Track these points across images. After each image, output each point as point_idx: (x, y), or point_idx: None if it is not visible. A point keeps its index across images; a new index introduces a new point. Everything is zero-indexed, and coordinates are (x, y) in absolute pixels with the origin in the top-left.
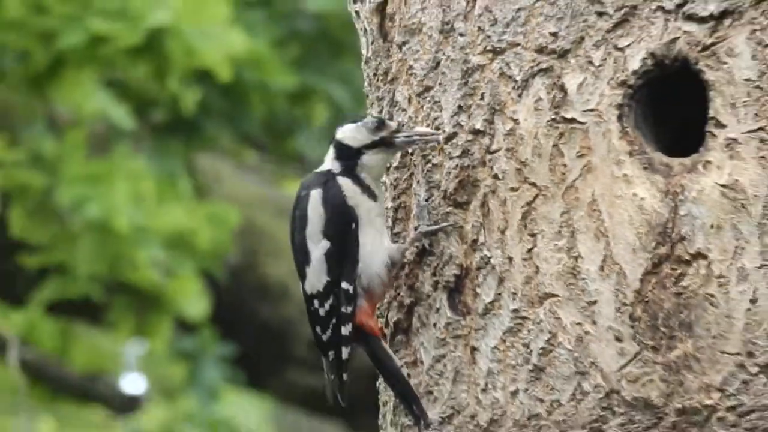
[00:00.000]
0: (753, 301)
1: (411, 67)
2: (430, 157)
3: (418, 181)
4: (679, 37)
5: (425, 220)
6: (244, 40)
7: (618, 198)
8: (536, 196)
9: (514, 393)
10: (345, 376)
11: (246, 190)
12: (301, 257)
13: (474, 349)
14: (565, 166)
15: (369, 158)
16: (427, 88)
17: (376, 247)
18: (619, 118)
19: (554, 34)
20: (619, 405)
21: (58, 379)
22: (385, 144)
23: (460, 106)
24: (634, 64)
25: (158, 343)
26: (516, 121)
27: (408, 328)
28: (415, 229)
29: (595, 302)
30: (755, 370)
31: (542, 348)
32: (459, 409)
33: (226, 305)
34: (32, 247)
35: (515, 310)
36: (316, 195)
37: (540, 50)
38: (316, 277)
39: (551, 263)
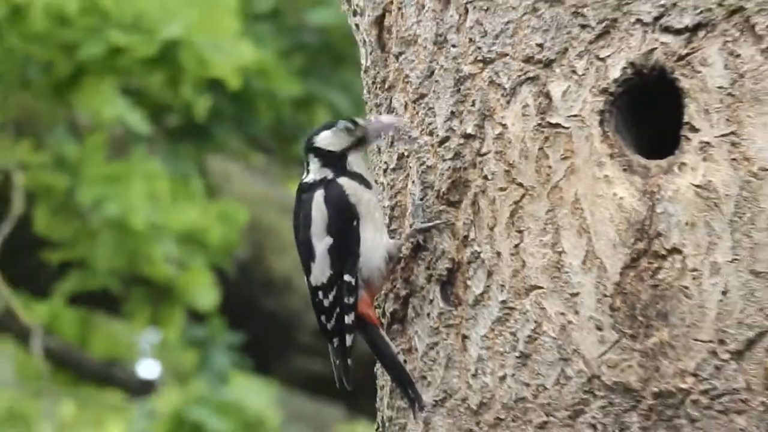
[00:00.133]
0: (724, 292)
1: (407, 76)
2: (424, 159)
3: (413, 182)
4: (656, 48)
5: (420, 218)
6: (252, 52)
7: (599, 197)
8: (523, 196)
9: (502, 378)
10: (350, 361)
11: (253, 190)
12: (306, 253)
13: (465, 337)
14: (550, 167)
15: (354, 157)
16: (422, 96)
17: (375, 243)
18: (601, 123)
19: (540, 45)
20: (599, 389)
21: (79, 365)
22: (364, 140)
23: (452, 112)
24: (615, 73)
25: (171, 331)
26: (504, 126)
27: (404, 317)
28: (411, 226)
29: (577, 294)
30: (726, 356)
31: (528, 336)
32: (451, 392)
33: (235, 297)
34: (55, 244)
35: (503, 301)
36: (318, 196)
37: (527, 60)
38: (321, 270)
39: (537, 258)
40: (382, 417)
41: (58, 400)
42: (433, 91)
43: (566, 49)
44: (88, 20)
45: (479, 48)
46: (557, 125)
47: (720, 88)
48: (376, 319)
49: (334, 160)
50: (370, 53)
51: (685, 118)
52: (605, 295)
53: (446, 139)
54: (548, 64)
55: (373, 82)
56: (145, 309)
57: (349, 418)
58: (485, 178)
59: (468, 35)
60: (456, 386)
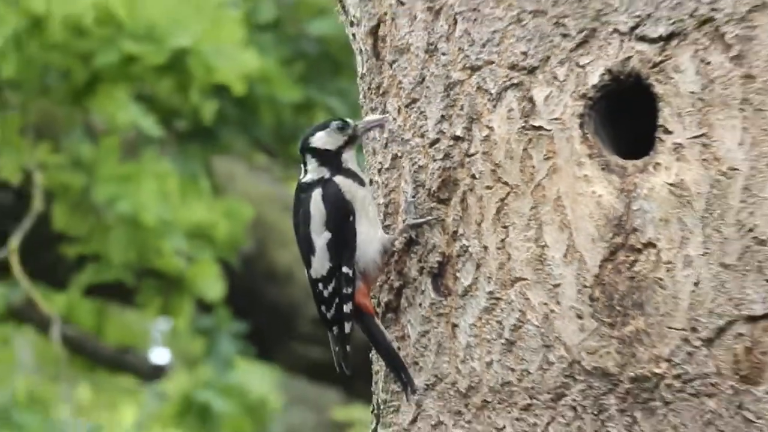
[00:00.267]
0: (696, 284)
1: (400, 82)
2: (416, 159)
3: (405, 181)
4: (632, 56)
5: (412, 214)
6: (256, 60)
7: (579, 195)
8: (508, 194)
9: (489, 363)
10: (348, 348)
11: (257, 189)
12: (306, 248)
13: (454, 325)
14: (533, 167)
15: (347, 154)
16: (414, 100)
17: (370, 237)
18: (581, 125)
19: (524, 53)
20: (579, 373)
21: (95, 352)
22: (354, 138)
23: (442, 116)
24: (594, 79)
25: (181, 321)
26: (491, 129)
27: (397, 307)
28: (404, 222)
29: (559, 285)
30: (698, 343)
31: (513, 324)
32: (441, 377)
33: (240, 288)
34: (72, 239)
35: (490, 292)
36: (316, 195)
37: (512, 67)
38: (320, 263)
39: (521, 251)
40: (377, 400)
41: (75, 384)
42: (425, 96)
43: (548, 57)
44: (103, 31)
45: (467, 56)
46: (540, 128)
47: (692, 93)
48: (371, 308)
49: (331, 158)
50: (366, 61)
51: (660, 121)
52: (585, 286)
53: (437, 140)
54: (531, 70)
55: (369, 88)
56: (156, 300)
57: (346, 401)
58: (473, 177)
59: (457, 44)
60: (446, 371)
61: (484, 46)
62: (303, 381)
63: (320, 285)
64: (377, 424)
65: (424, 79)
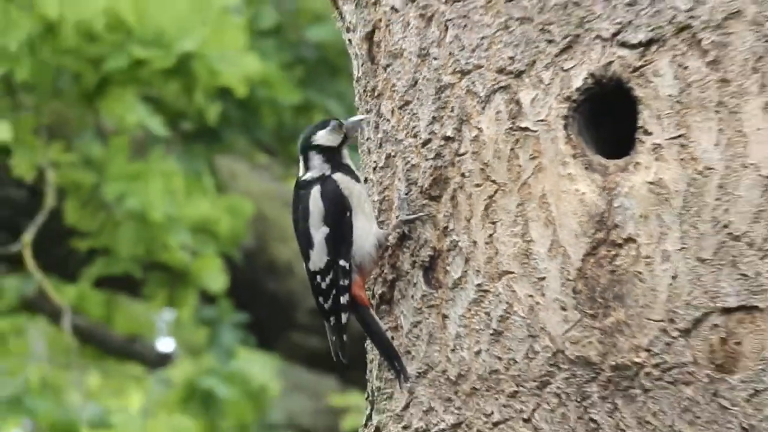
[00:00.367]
0: (674, 277)
1: (394, 85)
2: (409, 158)
3: (399, 179)
4: (614, 61)
5: (405, 211)
6: (257, 64)
7: (563, 192)
8: (496, 191)
9: (478, 352)
10: (345, 338)
11: (258, 186)
12: (305, 242)
13: (445, 316)
14: (520, 166)
15: (345, 151)
16: (407, 102)
17: (366, 231)
18: (565, 127)
19: (511, 58)
20: (563, 362)
21: (104, 341)
22: (346, 137)
23: (434, 117)
24: (577, 82)
25: (185, 312)
26: (480, 130)
27: (390, 299)
28: (397, 218)
29: (544, 278)
30: (676, 333)
31: (501, 316)
32: (432, 365)
33: (241, 281)
34: (83, 233)
35: (479, 285)
36: (315, 192)
37: (500, 71)
38: (318, 257)
39: (508, 246)
40: (372, 387)
41: (85, 371)
42: (417, 99)
43: (534, 62)
44: (113, 36)
45: (457, 60)
46: (526, 129)
47: (670, 96)
48: (367, 300)
49: (333, 154)
50: (362, 65)
51: (640, 123)
52: (569, 280)
53: (428, 141)
54: (518, 74)
55: (364, 91)
56: (162, 291)
57: (342, 389)
58: (463, 175)
59: (448, 49)
60: (437, 360)
61: (473, 51)
62: (301, 369)
63: (318, 277)
64: (372, 410)
65: (416, 83)
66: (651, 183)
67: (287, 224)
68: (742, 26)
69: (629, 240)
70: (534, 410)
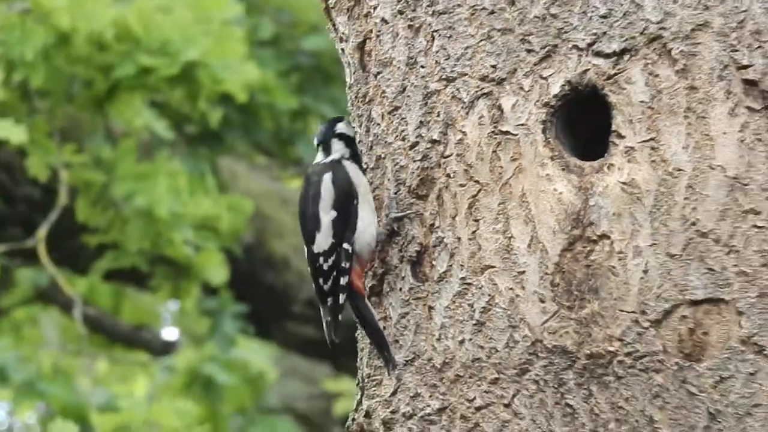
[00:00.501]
0: (645, 271)
1: (384, 92)
2: (398, 160)
3: (388, 179)
4: (589, 69)
5: (394, 209)
6: (256, 72)
7: (542, 192)
8: (479, 191)
9: (461, 342)
10: (340, 317)
11: (257, 186)
12: (312, 225)
13: (431, 308)
14: (501, 167)
15: (356, 145)
16: (396, 108)
17: (368, 222)
18: (543, 131)
19: (494, 66)
20: (542, 351)
21: (112, 329)
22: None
23: (421, 122)
24: (555, 89)
25: (188, 302)
26: (464, 133)
27: (380, 291)
28: (387, 215)
29: (524, 272)
30: (647, 324)
31: (483, 307)
32: (419, 354)
33: (241, 274)
34: (93, 229)
35: (462, 278)
36: (327, 178)
37: (483, 79)
38: (324, 239)
39: (490, 242)
40: (362, 374)
41: (94, 358)
42: (405, 104)
43: (515, 70)
44: (122, 46)
45: (443, 68)
46: (507, 132)
47: (642, 102)
48: (363, 290)
49: (352, 143)
50: (354, 73)
51: (613, 127)
52: (547, 273)
53: (416, 143)
54: (500, 82)
55: (356, 97)
56: (167, 284)
57: (335, 375)
58: (448, 176)
59: (434, 58)
60: (423, 348)
61: (458, 60)
62: (296, 356)
63: (321, 259)
64: (362, 395)
65: (405, 89)
66: (624, 183)
67: (284, 221)
68: (709, 37)
69: (603, 236)
70: (514, 396)
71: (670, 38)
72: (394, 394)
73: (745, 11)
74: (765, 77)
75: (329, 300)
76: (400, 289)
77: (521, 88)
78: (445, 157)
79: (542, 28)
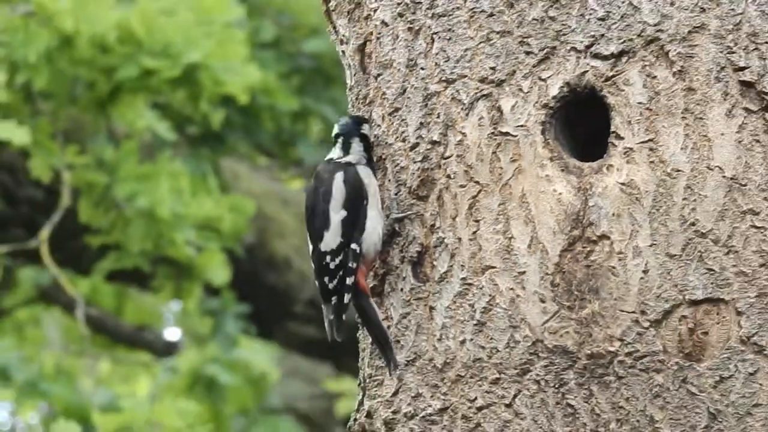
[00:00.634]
0: (645, 271)
1: (384, 93)
2: (398, 161)
3: (389, 180)
4: (587, 71)
5: (395, 210)
6: (258, 73)
7: (542, 193)
8: (479, 192)
9: (462, 342)
10: (344, 317)
11: (259, 186)
12: (321, 223)
13: (432, 308)
14: (501, 168)
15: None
16: (397, 109)
17: (376, 223)
18: (543, 132)
19: (493, 68)
20: (542, 351)
21: (115, 330)
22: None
23: (421, 123)
24: (554, 91)
25: (190, 303)
26: (464, 134)
27: (381, 292)
28: (388, 216)
29: (524, 272)
30: (647, 324)
31: (484, 307)
32: (420, 354)
33: (242, 274)
34: (96, 230)
35: (463, 278)
36: (339, 177)
37: (482, 80)
38: (332, 238)
39: (491, 242)
40: (364, 374)
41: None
42: (406, 106)
43: (514, 72)
44: (124, 48)
45: (443, 70)
46: (507, 134)
47: (640, 103)
48: (368, 289)
49: (370, 149)
50: (354, 74)
51: (612, 128)
52: (547, 274)
53: (416, 145)
54: (499, 83)
55: (357, 98)
56: (169, 284)
57: (336, 375)
58: (448, 177)
59: (434, 60)
60: (424, 349)
61: (457, 62)
62: (298, 356)
63: (328, 257)
64: (364, 395)
65: (405, 91)
66: (623, 184)
67: (286, 221)
68: (706, 39)
69: (603, 237)
70: (515, 396)
71: (668, 40)
72: (395, 394)
73: (741, 14)
74: (761, 79)
75: (334, 299)
76: (401, 290)
77: (520, 90)
78: (446, 158)
79: (541, 31)
